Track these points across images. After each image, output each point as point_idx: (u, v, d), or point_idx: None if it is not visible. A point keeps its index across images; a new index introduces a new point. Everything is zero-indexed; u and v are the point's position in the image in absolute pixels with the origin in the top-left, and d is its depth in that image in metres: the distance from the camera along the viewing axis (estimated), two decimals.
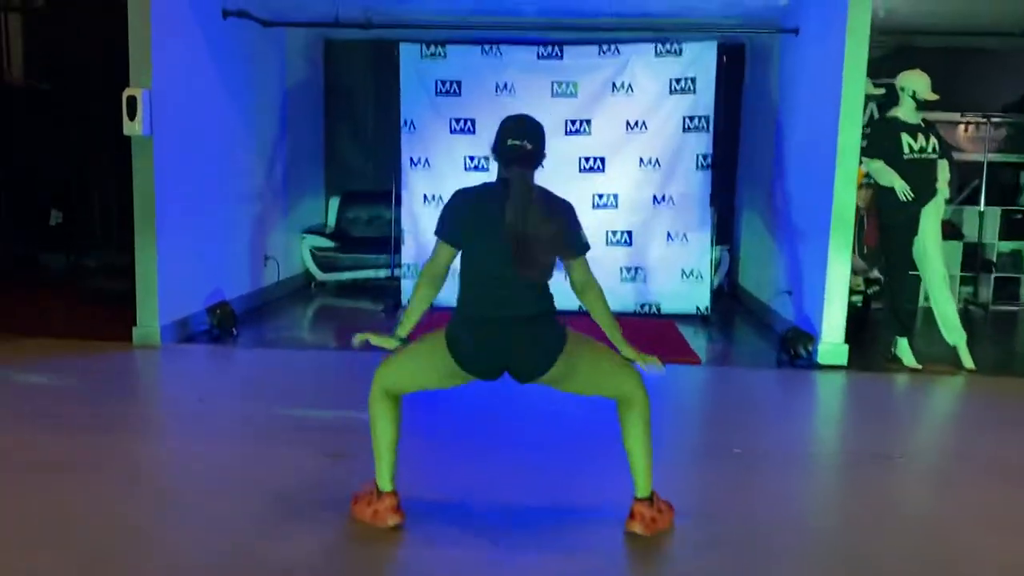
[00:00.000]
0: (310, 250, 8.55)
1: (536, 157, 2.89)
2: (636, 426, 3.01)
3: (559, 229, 2.88)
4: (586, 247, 2.98)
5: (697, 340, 6.66)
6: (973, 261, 8.32)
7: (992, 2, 6.40)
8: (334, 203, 9.17)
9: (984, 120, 8.14)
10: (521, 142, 2.86)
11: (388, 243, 8.33)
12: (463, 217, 2.91)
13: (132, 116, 5.48)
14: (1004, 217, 8.29)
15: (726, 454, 4.04)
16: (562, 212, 2.94)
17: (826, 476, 3.95)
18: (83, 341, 5.87)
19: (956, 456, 4.28)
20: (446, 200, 2.98)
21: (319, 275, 8.56)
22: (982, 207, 8.16)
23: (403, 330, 2.99)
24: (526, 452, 3.98)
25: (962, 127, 8.40)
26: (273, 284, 7.78)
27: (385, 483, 3.04)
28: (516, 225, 2.78)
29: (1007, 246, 8.37)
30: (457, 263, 2.96)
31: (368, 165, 9.25)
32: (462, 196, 2.96)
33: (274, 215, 7.93)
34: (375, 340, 2.97)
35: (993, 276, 8.30)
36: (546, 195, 2.92)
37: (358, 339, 3.00)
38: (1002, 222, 8.29)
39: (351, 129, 9.27)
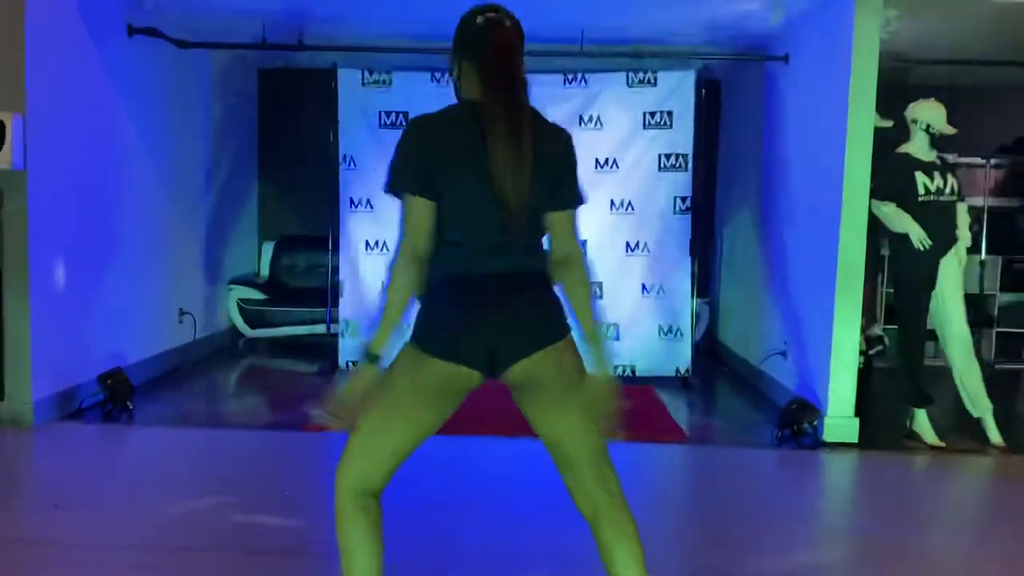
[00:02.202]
0: (237, 302, 7.54)
1: (522, 49, 2.13)
2: (628, 546, 2.06)
3: (559, 163, 2.13)
4: (583, 199, 2.19)
5: (678, 409, 5.77)
6: (974, 315, 7.56)
7: (997, 32, 5.71)
8: (268, 249, 8.18)
9: (983, 163, 7.47)
10: (498, 15, 2.11)
11: (326, 295, 7.36)
12: (432, 151, 2.03)
13: (0, 146, 4.50)
14: (1006, 266, 7.58)
15: (727, 566, 3.13)
16: (564, 141, 2.18)
17: None
18: None
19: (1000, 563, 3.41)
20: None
21: (247, 331, 7.54)
22: (983, 255, 7.43)
23: (378, 344, 2.04)
24: None
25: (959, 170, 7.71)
26: (189, 343, 6.73)
27: None
28: (508, 159, 2.01)
29: (1009, 298, 7.66)
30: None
31: (308, 207, 8.28)
32: (421, 124, 2.09)
33: (193, 264, 6.92)
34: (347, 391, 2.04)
35: (995, 331, 7.57)
36: (538, 115, 2.13)
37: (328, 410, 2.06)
38: (1004, 272, 7.58)
39: (289, 167, 8.32)
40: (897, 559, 3.40)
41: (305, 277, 8.01)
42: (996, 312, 7.59)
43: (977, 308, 7.52)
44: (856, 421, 4.91)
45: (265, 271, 8.12)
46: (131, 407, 5.14)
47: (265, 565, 3.11)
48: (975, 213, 7.34)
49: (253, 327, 7.55)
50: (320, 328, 7.42)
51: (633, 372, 6.48)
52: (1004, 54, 6.13)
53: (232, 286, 7.58)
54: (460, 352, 2.03)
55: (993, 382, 6.93)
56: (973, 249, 7.43)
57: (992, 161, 7.54)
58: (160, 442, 4.81)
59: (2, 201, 4.61)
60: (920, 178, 4.88)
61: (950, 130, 4.93)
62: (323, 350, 7.11)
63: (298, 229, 8.28)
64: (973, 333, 5.23)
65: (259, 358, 7.26)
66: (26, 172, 4.61)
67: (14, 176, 4.59)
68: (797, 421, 4.88)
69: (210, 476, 4.18)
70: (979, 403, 5.01)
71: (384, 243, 6.59)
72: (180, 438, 4.89)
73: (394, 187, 2.06)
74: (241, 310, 7.53)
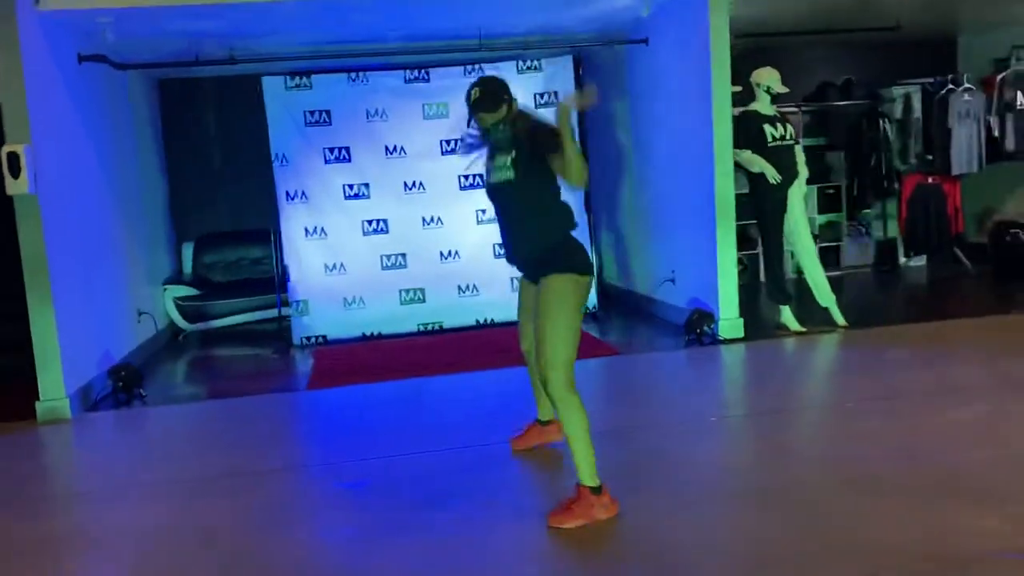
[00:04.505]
0: (174, 301, 8.09)
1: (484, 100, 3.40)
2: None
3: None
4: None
5: (599, 335, 7.04)
6: None
7: (799, 8, 7.27)
8: (188, 249, 8.72)
9: (796, 110, 9.17)
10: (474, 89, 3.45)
11: (259, 284, 8.07)
12: None
13: (16, 174, 5.04)
14: (820, 192, 9.39)
15: (669, 425, 4.44)
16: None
17: (757, 430, 4.42)
18: None
19: (848, 396, 4.89)
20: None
21: (186, 326, 8.11)
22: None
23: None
24: None
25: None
26: (150, 339, 7.31)
27: (596, 477, 3.16)
28: None
29: (824, 218, 9.48)
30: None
31: (223, 205, 8.90)
32: None
33: (140, 268, 7.46)
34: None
35: (816, 247, 9.33)
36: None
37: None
38: (819, 197, 9.38)
39: (197, 169, 8.85)
40: (783, 406, 4.83)
41: (232, 271, 8.65)
42: (816, 231, 9.36)
43: None
44: (741, 320, 6.36)
45: (188, 269, 8.67)
46: (144, 394, 5.79)
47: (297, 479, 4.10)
48: None
49: (192, 322, 8.12)
50: (258, 315, 8.14)
51: None
52: (805, 23, 7.75)
53: (166, 286, 8.11)
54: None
55: None
56: None
57: (802, 108, 9.27)
58: (182, 414, 5.55)
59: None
60: (767, 128, 6.33)
61: (784, 89, 6.42)
62: (264, 335, 7.81)
63: (214, 227, 8.84)
64: None
65: (208, 348, 7.84)
66: (36, 196, 5.17)
67: (29, 200, 5.15)
68: (699, 326, 6.27)
69: (228, 426, 5.04)
70: (825, 296, 6.58)
71: (321, 229, 7.42)
72: (199, 409, 5.64)
73: None
74: (178, 307, 8.09)
